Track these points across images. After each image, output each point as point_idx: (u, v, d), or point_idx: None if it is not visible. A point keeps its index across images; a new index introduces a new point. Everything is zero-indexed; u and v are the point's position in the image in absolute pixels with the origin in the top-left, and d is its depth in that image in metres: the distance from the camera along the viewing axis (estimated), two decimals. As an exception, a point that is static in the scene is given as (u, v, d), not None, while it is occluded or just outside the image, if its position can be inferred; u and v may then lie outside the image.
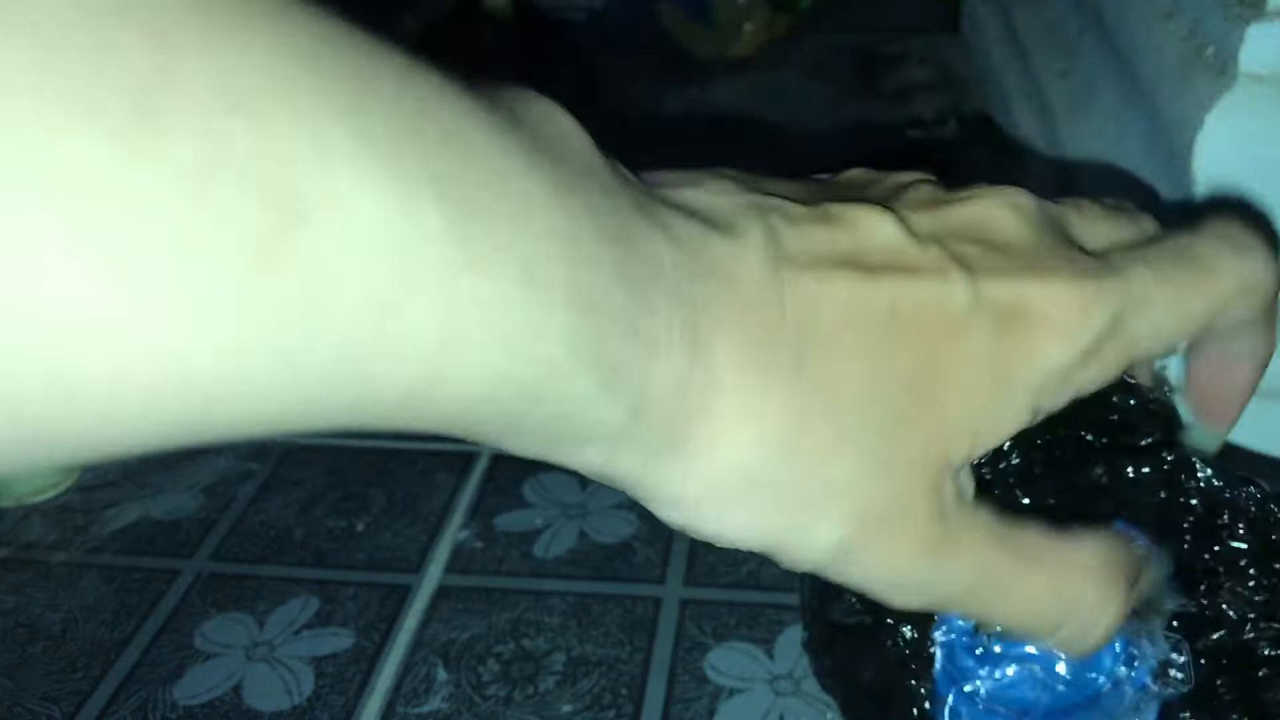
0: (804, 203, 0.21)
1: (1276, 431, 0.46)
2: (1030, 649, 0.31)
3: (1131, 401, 0.32)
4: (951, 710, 0.31)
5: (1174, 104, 0.47)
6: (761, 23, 1.03)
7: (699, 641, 0.44)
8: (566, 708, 0.41)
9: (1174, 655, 0.30)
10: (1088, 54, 0.65)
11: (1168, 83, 0.48)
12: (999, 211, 0.22)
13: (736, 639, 0.44)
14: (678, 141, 0.81)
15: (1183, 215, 0.25)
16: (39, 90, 0.12)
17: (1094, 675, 0.31)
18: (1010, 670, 0.31)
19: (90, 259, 0.12)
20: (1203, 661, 0.30)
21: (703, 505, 0.20)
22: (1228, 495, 0.31)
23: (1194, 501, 0.31)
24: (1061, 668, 0.31)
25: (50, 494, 0.54)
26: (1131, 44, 0.54)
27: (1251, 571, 0.30)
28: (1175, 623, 0.30)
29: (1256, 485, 0.30)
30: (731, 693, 0.42)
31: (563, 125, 0.18)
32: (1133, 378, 0.30)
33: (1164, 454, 0.31)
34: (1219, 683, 0.30)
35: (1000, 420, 0.21)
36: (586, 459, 0.19)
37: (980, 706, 0.31)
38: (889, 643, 0.31)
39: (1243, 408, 0.27)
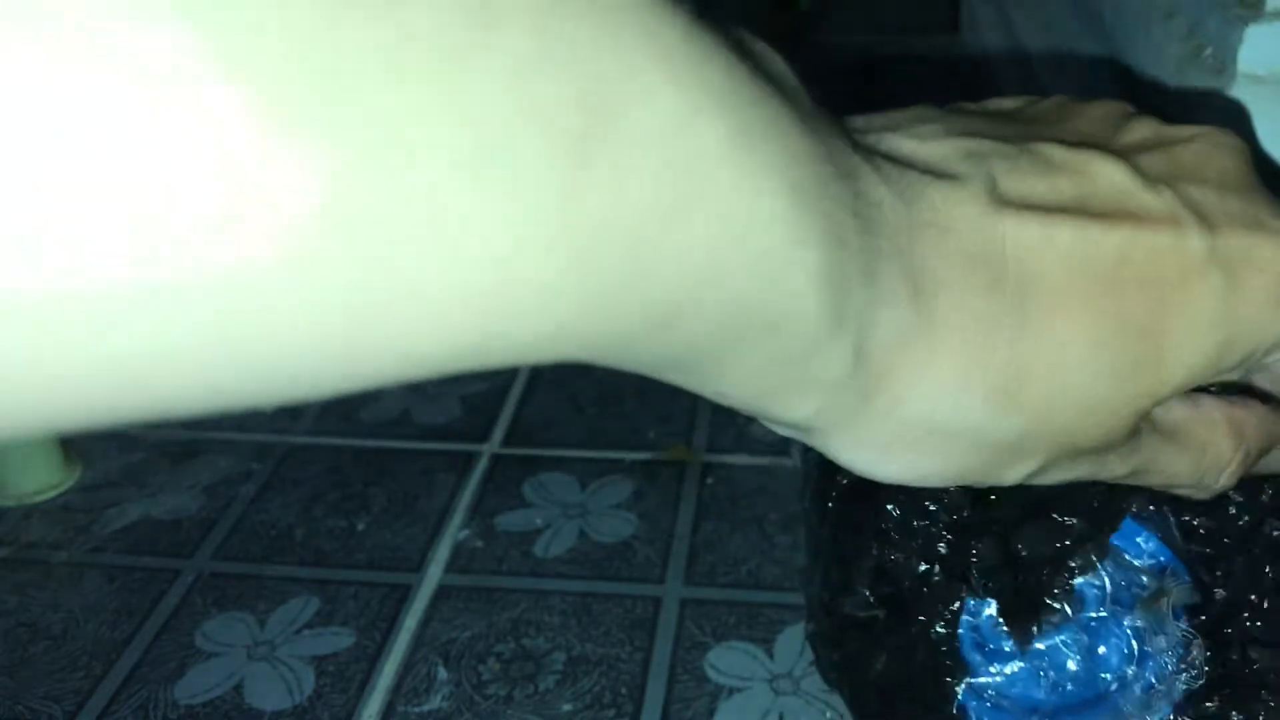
0: (1017, 142, 0.20)
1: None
2: (1040, 645, 0.31)
3: None
4: (959, 705, 0.31)
5: (1173, 105, 0.47)
6: (761, 23, 1.03)
7: (699, 641, 0.44)
8: (566, 707, 0.41)
9: (1186, 649, 0.30)
10: (1086, 54, 0.65)
11: (1167, 83, 0.48)
12: (1219, 153, 0.21)
13: (736, 638, 0.44)
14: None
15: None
16: None
17: (1103, 674, 0.31)
18: (1018, 667, 0.31)
19: (434, 156, 0.12)
20: (1211, 653, 0.30)
21: (894, 449, 0.19)
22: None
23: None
24: (1072, 665, 0.31)
25: (51, 493, 0.54)
26: (1130, 45, 0.54)
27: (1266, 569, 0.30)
28: (1187, 618, 0.30)
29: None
30: (731, 692, 0.42)
31: (781, 66, 0.18)
32: None
33: None
34: (1242, 670, 0.30)
35: (1213, 373, 0.21)
36: (800, 409, 0.18)
37: (988, 703, 0.31)
38: (900, 637, 0.31)
39: None
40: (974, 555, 0.30)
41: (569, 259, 0.13)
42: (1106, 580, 0.31)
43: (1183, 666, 0.30)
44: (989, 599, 0.30)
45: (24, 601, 0.48)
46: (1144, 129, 0.22)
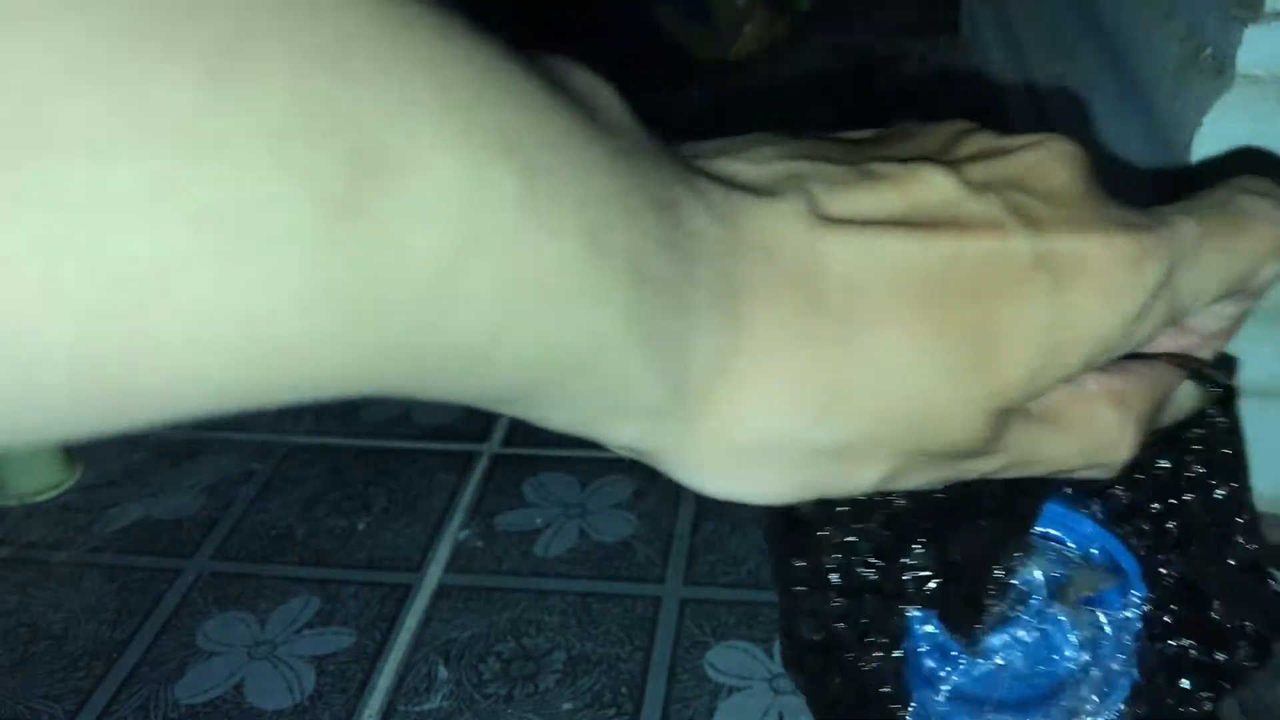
0: (850, 163, 0.21)
1: (1276, 431, 0.46)
2: (996, 642, 0.31)
3: None
4: (915, 712, 0.31)
5: (1171, 105, 0.47)
6: (761, 23, 1.03)
7: (699, 640, 0.44)
8: (567, 706, 0.42)
9: (1127, 614, 0.31)
10: (1086, 55, 0.65)
11: (1165, 84, 0.48)
12: (1053, 161, 0.22)
13: (736, 638, 0.44)
14: (677, 142, 0.81)
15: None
16: (129, 31, 0.11)
17: (1057, 663, 0.31)
18: (976, 668, 0.32)
19: (173, 211, 0.12)
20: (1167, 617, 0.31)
21: (731, 469, 0.19)
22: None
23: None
24: (1021, 661, 0.31)
25: (52, 493, 0.54)
26: (1129, 45, 0.54)
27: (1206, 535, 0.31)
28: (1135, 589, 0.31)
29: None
30: (731, 691, 0.42)
31: (606, 96, 0.18)
32: None
33: None
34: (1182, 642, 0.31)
35: (1055, 375, 0.21)
36: (624, 435, 0.19)
37: (947, 705, 0.32)
38: (855, 654, 0.32)
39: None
40: (904, 573, 0.31)
41: (339, 310, 0.14)
42: (1040, 574, 0.31)
43: (1123, 656, 0.31)
44: (931, 609, 0.31)
45: (24, 601, 0.48)
46: (979, 141, 0.22)
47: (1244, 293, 0.24)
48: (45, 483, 0.54)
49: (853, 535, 0.31)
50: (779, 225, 0.19)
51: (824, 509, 0.31)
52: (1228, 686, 0.30)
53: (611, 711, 0.41)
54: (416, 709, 0.42)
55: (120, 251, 0.12)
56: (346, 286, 0.13)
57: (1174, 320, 0.22)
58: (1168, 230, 0.21)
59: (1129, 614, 0.31)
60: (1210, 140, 0.43)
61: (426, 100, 0.14)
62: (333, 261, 0.13)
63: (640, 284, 0.17)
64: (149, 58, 0.12)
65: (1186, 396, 0.25)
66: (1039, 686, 0.32)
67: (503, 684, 0.43)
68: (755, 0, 1.02)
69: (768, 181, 0.20)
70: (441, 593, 0.47)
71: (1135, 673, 0.31)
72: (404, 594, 0.47)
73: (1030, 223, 0.20)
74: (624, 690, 0.42)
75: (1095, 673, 0.32)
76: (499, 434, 0.57)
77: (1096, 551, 0.31)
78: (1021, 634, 0.32)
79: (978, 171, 0.21)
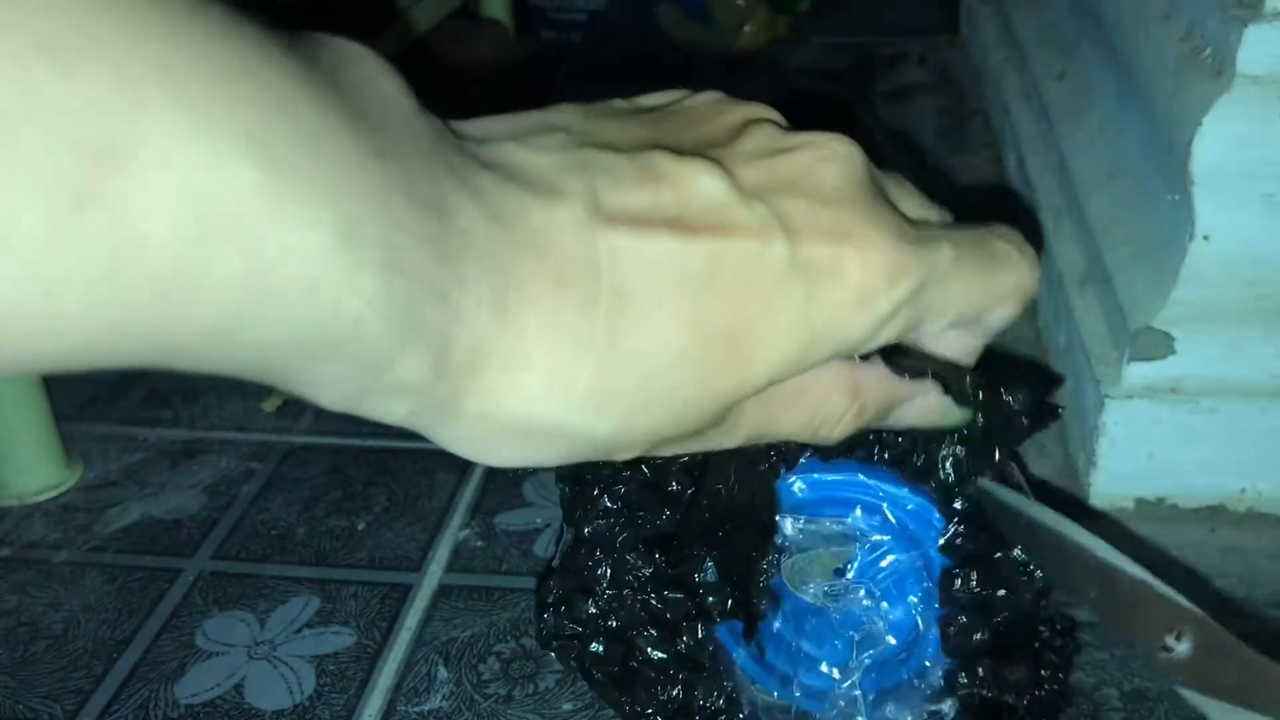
0: (638, 147, 0.22)
1: (1276, 430, 0.46)
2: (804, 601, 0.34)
3: None
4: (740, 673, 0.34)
5: (1171, 105, 0.47)
6: (761, 23, 1.03)
7: (699, 640, 0.44)
8: (566, 706, 0.42)
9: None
10: (1085, 55, 0.66)
11: (1165, 84, 0.48)
12: (826, 163, 0.23)
13: (736, 638, 0.44)
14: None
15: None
16: None
17: (888, 639, 0.34)
18: (809, 656, 0.35)
19: None
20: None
21: (497, 441, 0.21)
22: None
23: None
24: (845, 638, 0.34)
25: (52, 493, 0.54)
26: (1129, 45, 0.54)
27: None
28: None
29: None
30: (731, 691, 0.42)
31: (385, 88, 0.19)
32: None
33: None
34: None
35: (801, 368, 0.23)
36: (394, 412, 0.20)
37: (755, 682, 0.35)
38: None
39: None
40: (666, 603, 0.33)
41: (82, 293, 0.15)
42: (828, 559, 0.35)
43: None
44: (723, 620, 0.33)
45: (24, 601, 0.48)
46: (760, 137, 0.23)
47: (978, 326, 0.26)
48: (45, 483, 0.54)
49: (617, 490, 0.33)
50: (554, 225, 0.20)
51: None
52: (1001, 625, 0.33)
53: (611, 711, 0.41)
54: (416, 709, 0.42)
55: None
56: (87, 270, 0.14)
57: (913, 328, 0.24)
58: (926, 249, 0.23)
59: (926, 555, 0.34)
60: (1210, 140, 0.43)
61: (158, 96, 0.14)
62: (73, 247, 0.14)
63: (392, 276, 0.17)
64: None
65: (931, 409, 0.28)
66: (883, 662, 0.34)
67: (503, 684, 0.43)
68: (755, 0, 1.02)
69: (550, 173, 0.21)
70: (442, 592, 0.47)
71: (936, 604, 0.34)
72: (404, 594, 0.47)
73: (791, 230, 0.22)
74: (624, 690, 0.42)
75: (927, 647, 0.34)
76: (499, 434, 0.57)
77: (913, 506, 0.34)
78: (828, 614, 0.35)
79: (751, 173, 0.22)
